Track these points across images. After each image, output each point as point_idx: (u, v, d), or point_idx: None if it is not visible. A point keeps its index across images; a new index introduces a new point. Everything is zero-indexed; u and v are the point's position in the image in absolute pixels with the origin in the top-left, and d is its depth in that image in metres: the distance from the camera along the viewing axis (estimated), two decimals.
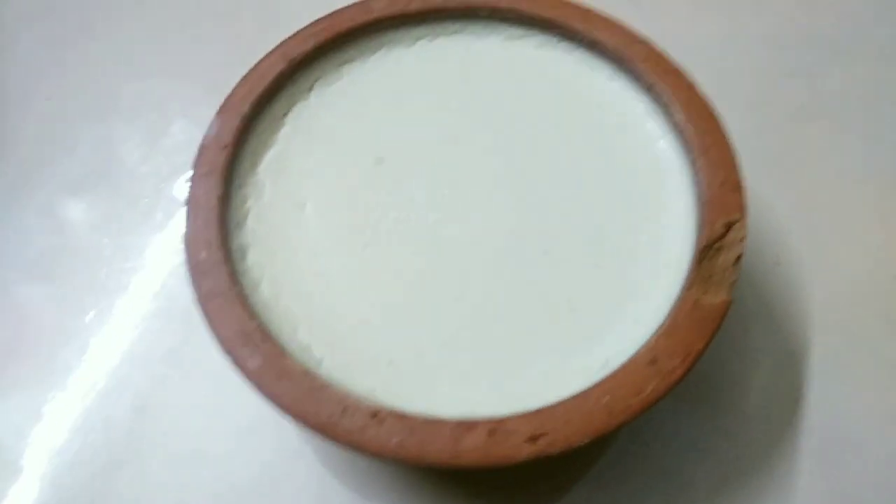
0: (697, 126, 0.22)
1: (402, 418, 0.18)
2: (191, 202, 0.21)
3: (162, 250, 0.29)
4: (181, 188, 0.31)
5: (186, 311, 0.26)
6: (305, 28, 0.24)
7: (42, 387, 0.26)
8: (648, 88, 0.23)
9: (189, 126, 0.33)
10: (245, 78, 0.23)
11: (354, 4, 0.25)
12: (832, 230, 0.29)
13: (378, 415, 0.18)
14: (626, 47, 0.24)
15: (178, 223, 0.30)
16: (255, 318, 0.19)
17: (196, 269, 0.20)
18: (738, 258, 0.20)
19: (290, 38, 0.24)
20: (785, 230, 0.29)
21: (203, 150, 0.22)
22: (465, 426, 0.17)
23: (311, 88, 0.24)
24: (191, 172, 0.22)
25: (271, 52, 0.24)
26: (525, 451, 0.17)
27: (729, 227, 0.20)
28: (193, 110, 0.33)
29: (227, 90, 0.23)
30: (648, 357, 0.18)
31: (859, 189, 0.30)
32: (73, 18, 0.36)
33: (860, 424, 0.25)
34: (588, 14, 0.25)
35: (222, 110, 0.22)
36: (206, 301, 0.19)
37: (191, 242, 0.20)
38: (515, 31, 0.26)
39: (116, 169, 0.32)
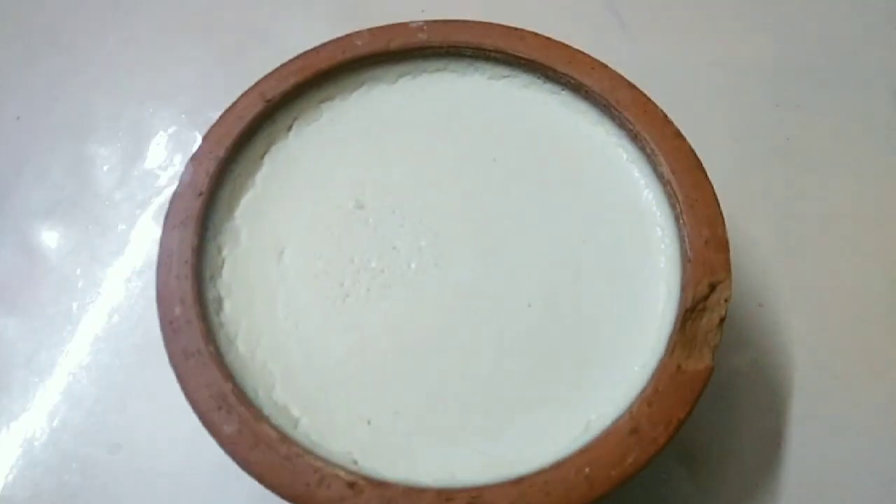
0: (683, 179, 0.22)
1: (380, 488, 0.17)
2: (163, 254, 0.20)
3: (136, 281, 0.28)
4: (157, 214, 0.30)
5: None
6: (284, 66, 0.24)
7: (10, 420, 0.26)
8: (634, 136, 0.23)
9: (166, 148, 0.32)
10: (221, 119, 0.23)
11: (335, 41, 0.24)
12: (817, 269, 0.29)
13: (355, 485, 0.17)
14: (611, 92, 0.23)
15: (153, 252, 0.29)
16: (230, 380, 0.19)
17: (169, 327, 0.19)
18: (722, 320, 0.20)
19: (268, 75, 0.23)
20: (770, 270, 0.29)
21: (176, 198, 0.21)
22: (445, 496, 0.17)
23: (289, 128, 0.24)
24: (164, 217, 0.21)
25: (248, 91, 0.23)
26: None
27: (713, 287, 0.20)
28: (171, 131, 0.32)
29: (207, 111, 0.22)
30: (630, 426, 0.18)
31: (845, 226, 0.30)
32: (43, 33, 0.35)
33: (840, 469, 0.25)
34: (574, 56, 0.24)
35: (198, 154, 0.22)
36: (180, 361, 0.19)
37: (164, 298, 0.19)
38: (500, 71, 0.25)
39: (90, 194, 0.31)
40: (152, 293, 0.27)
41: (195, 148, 0.21)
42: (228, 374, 0.19)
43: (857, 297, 0.28)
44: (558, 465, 0.18)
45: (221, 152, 0.22)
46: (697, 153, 0.22)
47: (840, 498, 0.24)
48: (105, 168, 0.31)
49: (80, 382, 0.26)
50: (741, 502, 0.24)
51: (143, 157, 0.32)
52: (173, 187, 0.30)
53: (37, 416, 0.26)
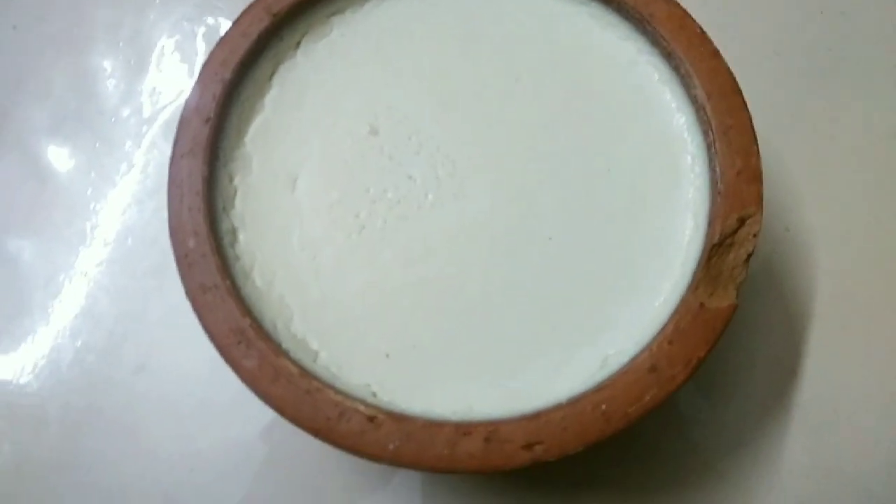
0: (718, 104, 0.20)
1: (399, 422, 0.18)
2: (173, 184, 0.20)
3: (148, 202, 0.28)
4: (165, 131, 0.29)
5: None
6: None
7: (36, 340, 0.26)
8: (668, 55, 0.21)
9: (170, 59, 0.31)
10: (225, 37, 0.21)
11: None
12: (847, 196, 0.28)
13: (375, 419, 0.17)
14: (645, 5, 0.22)
15: (163, 171, 0.28)
16: (248, 314, 0.19)
17: (184, 261, 0.19)
18: (749, 256, 0.19)
19: None
20: (799, 194, 0.28)
21: (183, 124, 0.20)
22: (462, 430, 0.17)
23: (298, 45, 0.22)
24: (172, 141, 0.20)
25: (252, 5, 0.21)
26: (520, 458, 0.17)
27: (742, 221, 0.19)
28: (174, 40, 0.31)
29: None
30: (649, 363, 0.18)
31: (881, 150, 0.28)
32: None
33: (853, 400, 0.25)
34: None
35: (202, 77, 0.21)
36: (197, 296, 0.19)
37: (176, 230, 0.19)
38: None
39: (95, 110, 0.30)
40: (165, 215, 0.27)
41: (199, 63, 0.20)
42: (246, 309, 0.19)
43: (886, 228, 0.27)
44: (575, 401, 0.18)
45: (227, 74, 0.21)
46: (735, 67, 0.21)
47: (849, 427, 0.25)
48: (109, 82, 0.30)
49: (100, 304, 0.27)
50: (752, 430, 0.25)
51: (146, 69, 0.30)
52: (179, 102, 0.29)
53: (61, 337, 0.26)
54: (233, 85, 0.21)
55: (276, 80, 0.22)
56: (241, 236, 0.20)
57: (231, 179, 0.21)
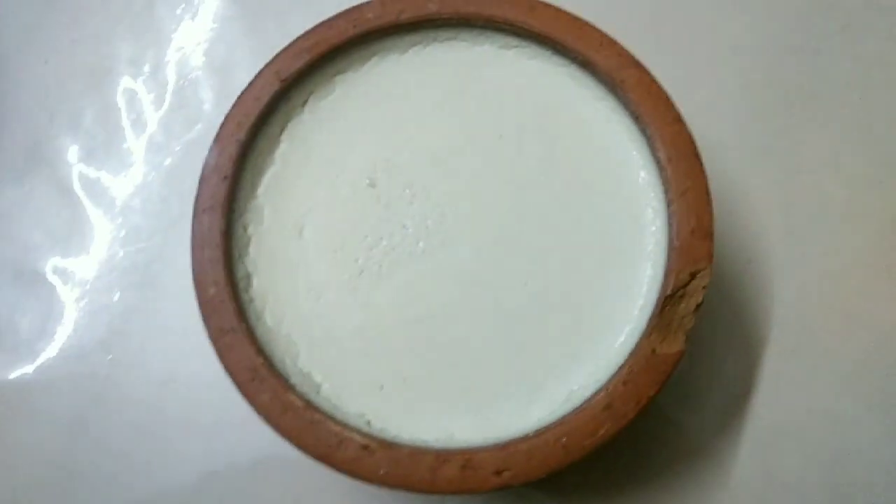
0: (678, 166, 0.23)
1: (388, 449, 0.20)
2: (195, 237, 0.22)
3: (170, 230, 0.31)
4: (187, 163, 0.32)
5: None
6: (296, 42, 0.24)
7: (60, 360, 0.29)
8: (636, 118, 0.24)
9: (192, 95, 0.33)
10: (239, 101, 0.24)
11: (344, 13, 0.24)
12: (808, 230, 0.30)
13: (368, 447, 0.20)
14: (618, 70, 0.24)
15: (185, 199, 0.31)
16: (260, 353, 0.21)
17: (206, 307, 0.22)
18: (698, 306, 0.22)
19: (281, 52, 0.24)
20: (762, 225, 0.30)
21: (203, 181, 0.23)
22: (442, 458, 0.20)
23: (304, 103, 0.25)
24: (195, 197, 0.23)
25: (263, 71, 0.24)
26: (492, 483, 0.20)
27: (693, 275, 0.22)
28: (193, 77, 0.33)
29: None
30: (605, 402, 0.21)
31: (843, 183, 0.30)
32: None
33: (800, 416, 0.28)
34: (584, 30, 0.24)
35: (220, 138, 0.23)
36: (218, 338, 0.21)
37: (199, 280, 0.22)
38: (510, 41, 0.25)
39: (121, 139, 0.32)
40: (187, 243, 0.29)
41: (211, 111, 0.22)
42: (259, 349, 0.21)
43: (843, 261, 0.29)
44: (539, 434, 0.21)
45: (242, 135, 0.23)
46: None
47: (798, 444, 0.27)
48: (134, 115, 0.33)
49: (132, 325, 0.30)
50: (705, 446, 0.27)
51: (163, 105, 0.33)
52: (193, 135, 0.32)
53: (94, 353, 0.29)
54: (247, 144, 0.23)
55: (286, 136, 0.24)
56: (255, 281, 0.23)
57: (245, 229, 0.23)
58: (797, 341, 0.29)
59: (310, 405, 0.21)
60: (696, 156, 0.23)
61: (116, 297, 0.30)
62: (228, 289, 0.22)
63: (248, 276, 0.23)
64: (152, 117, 0.32)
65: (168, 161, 0.32)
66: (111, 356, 0.29)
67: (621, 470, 0.27)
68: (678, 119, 0.23)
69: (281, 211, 0.24)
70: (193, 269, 0.22)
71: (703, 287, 0.22)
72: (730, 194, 0.30)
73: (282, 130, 0.24)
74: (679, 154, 0.23)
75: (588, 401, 0.21)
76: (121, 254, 0.30)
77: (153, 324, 0.29)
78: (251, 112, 0.23)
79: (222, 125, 0.23)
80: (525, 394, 0.22)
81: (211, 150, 0.23)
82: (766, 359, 0.28)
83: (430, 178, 0.24)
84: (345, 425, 0.21)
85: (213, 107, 0.32)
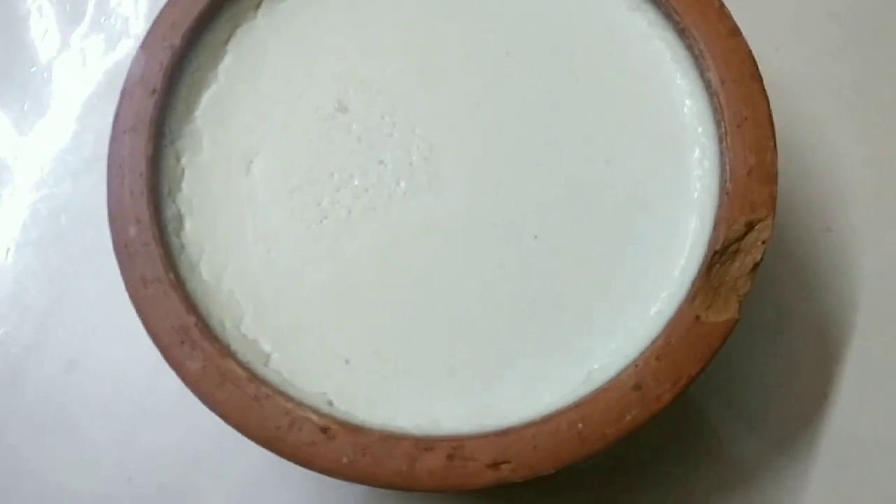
0: (733, 91, 0.23)
1: (354, 433, 0.21)
2: (113, 164, 0.23)
3: (85, 176, 0.31)
4: (106, 93, 0.32)
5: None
6: None
7: None
8: (680, 31, 0.24)
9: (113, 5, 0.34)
10: None
11: None
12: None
13: (328, 430, 0.21)
14: None
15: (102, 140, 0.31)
16: (193, 311, 0.22)
17: (124, 250, 0.22)
18: (756, 265, 0.22)
19: None
20: (844, 185, 0.31)
21: (125, 96, 0.23)
22: (423, 445, 0.21)
23: (258, 6, 0.25)
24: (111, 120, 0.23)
25: None
26: (485, 478, 0.20)
27: (751, 226, 0.22)
28: None
29: None
30: (633, 380, 0.21)
31: None
32: None
33: (887, 423, 0.28)
34: None
35: (147, 42, 0.24)
36: (138, 289, 0.22)
37: (116, 216, 0.22)
38: None
39: (25, 64, 0.33)
40: (104, 190, 0.30)
41: (143, 29, 0.23)
42: (191, 305, 0.22)
43: None
44: (549, 419, 0.21)
45: (177, 39, 0.24)
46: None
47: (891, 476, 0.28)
48: (41, 31, 0.33)
49: (28, 290, 0.30)
50: (776, 453, 0.28)
51: (84, 17, 0.34)
52: (121, 57, 0.32)
53: None
54: (183, 52, 0.24)
55: (232, 45, 0.25)
56: (188, 224, 0.23)
57: (178, 159, 0.24)
58: (887, 333, 0.29)
59: (254, 377, 0.21)
60: (757, 77, 0.23)
61: (10, 255, 0.30)
62: (154, 229, 0.22)
63: (181, 217, 0.23)
64: (66, 32, 0.33)
65: (84, 88, 0.32)
66: (2, 331, 0.29)
67: (649, 495, 0.28)
68: (734, 31, 0.24)
69: (224, 139, 0.24)
70: (109, 206, 0.23)
71: (763, 242, 0.22)
72: (803, 143, 0.31)
73: (228, 38, 0.25)
74: (734, 75, 0.23)
75: (612, 379, 0.21)
76: (18, 203, 0.31)
77: (58, 291, 0.30)
78: (189, 11, 0.24)
79: (151, 26, 0.24)
80: (532, 374, 0.22)
81: (136, 57, 0.24)
82: (847, 355, 0.29)
83: (416, 103, 0.25)
84: (298, 402, 0.21)
85: (144, 19, 0.32)
